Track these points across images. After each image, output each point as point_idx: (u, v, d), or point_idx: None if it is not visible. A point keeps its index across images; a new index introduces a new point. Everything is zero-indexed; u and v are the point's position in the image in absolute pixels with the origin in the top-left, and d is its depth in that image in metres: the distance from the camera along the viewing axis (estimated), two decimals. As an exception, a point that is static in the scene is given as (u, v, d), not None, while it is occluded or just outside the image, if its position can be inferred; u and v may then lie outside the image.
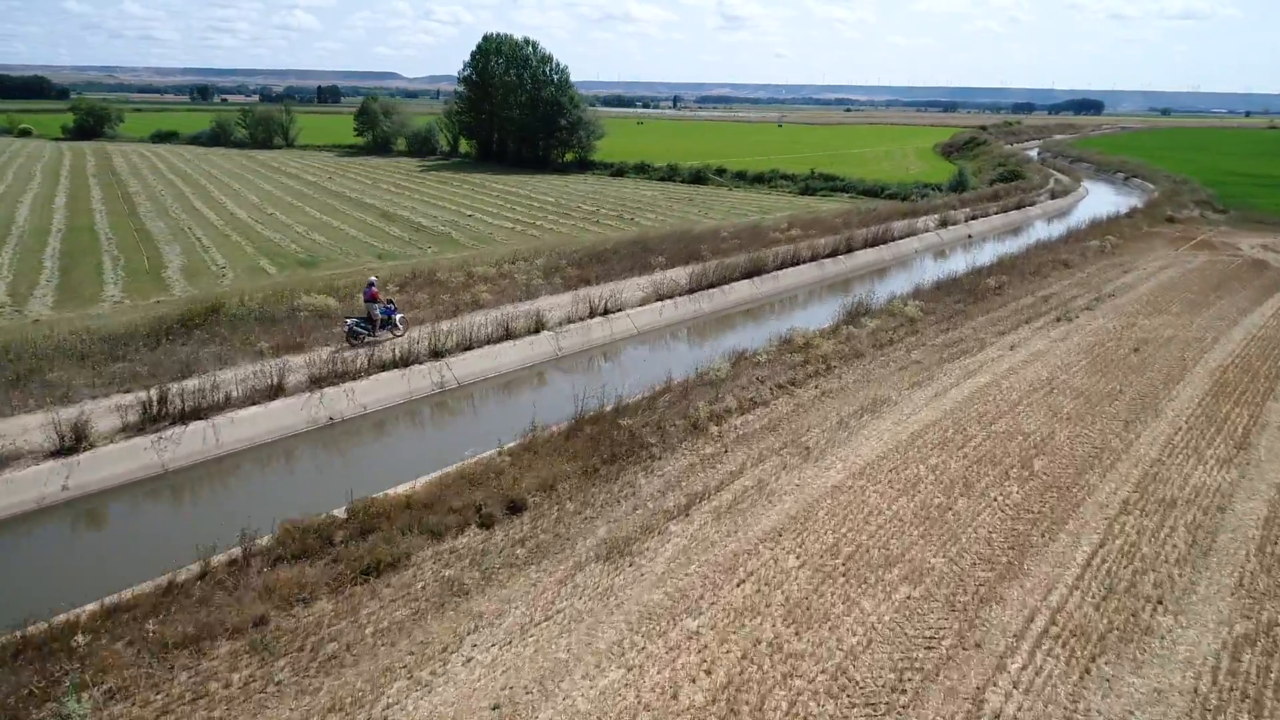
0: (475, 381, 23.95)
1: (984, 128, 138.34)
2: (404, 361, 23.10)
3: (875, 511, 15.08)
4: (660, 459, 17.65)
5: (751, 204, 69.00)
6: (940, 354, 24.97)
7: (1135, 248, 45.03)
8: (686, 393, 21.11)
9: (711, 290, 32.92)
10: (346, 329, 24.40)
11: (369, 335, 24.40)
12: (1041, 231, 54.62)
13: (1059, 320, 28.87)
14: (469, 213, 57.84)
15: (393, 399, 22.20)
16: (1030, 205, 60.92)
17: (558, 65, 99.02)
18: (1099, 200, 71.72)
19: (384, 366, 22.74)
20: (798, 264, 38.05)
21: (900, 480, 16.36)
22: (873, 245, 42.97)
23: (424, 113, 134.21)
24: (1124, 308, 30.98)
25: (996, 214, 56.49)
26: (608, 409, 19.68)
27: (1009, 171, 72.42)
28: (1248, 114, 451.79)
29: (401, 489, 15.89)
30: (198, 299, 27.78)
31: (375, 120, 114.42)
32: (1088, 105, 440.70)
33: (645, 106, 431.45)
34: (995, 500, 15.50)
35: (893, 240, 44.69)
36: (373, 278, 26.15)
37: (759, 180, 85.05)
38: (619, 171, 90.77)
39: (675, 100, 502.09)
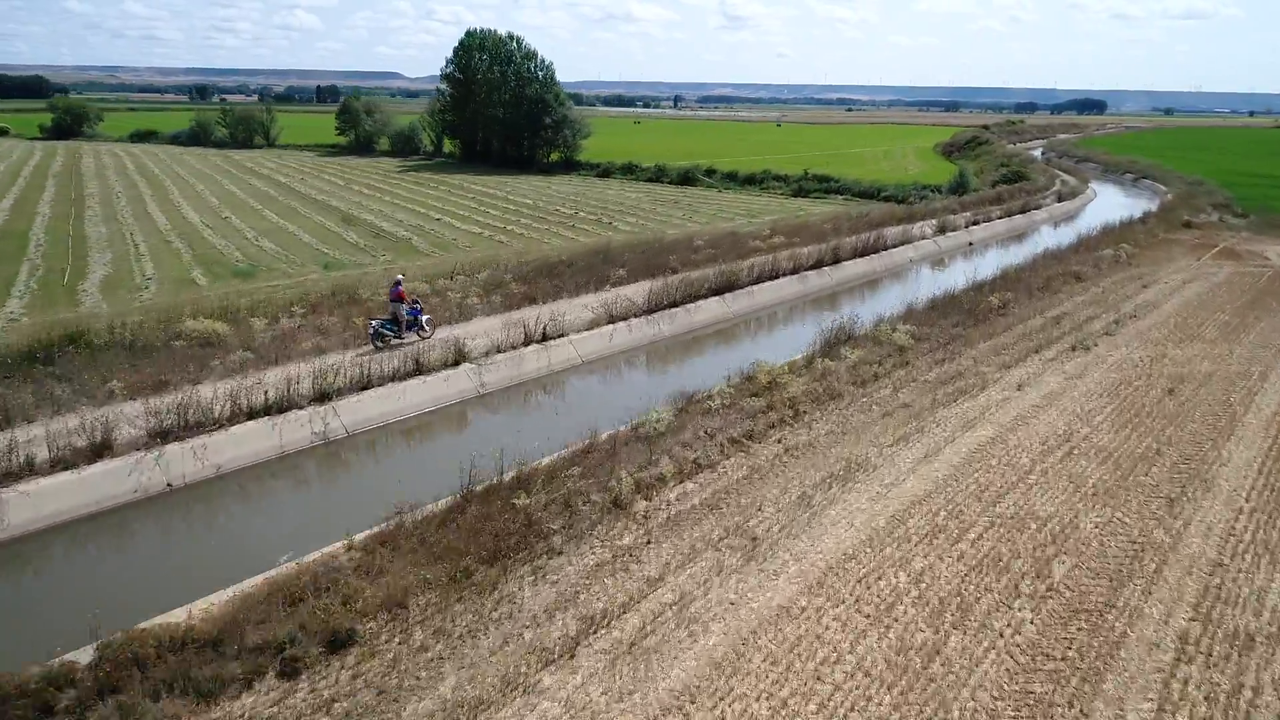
0: (370, 429, 19.59)
1: (986, 127, 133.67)
2: (279, 407, 18.73)
3: (832, 657, 10.68)
4: (560, 554, 13.28)
5: (739, 207, 64.66)
6: (933, 394, 20.56)
7: (1153, 257, 40.54)
8: (614, 451, 16.73)
9: (674, 310, 28.53)
10: (371, 330, 22.76)
11: (394, 337, 22.96)
12: (1048, 237, 50.15)
13: (1074, 349, 24.42)
14: (438, 216, 53.75)
15: (257, 455, 17.83)
16: (1035, 209, 56.45)
17: (543, 62, 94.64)
18: (1108, 203, 67.20)
19: (252, 414, 18.38)
20: (776, 277, 33.66)
21: (872, 597, 11.96)
22: (863, 255, 38.53)
23: (417, 112, 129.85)
24: (1149, 333, 26.52)
25: (999, 218, 52.02)
26: (505, 479, 15.31)
27: (1012, 172, 67.96)
28: (1251, 113, 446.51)
29: (180, 614, 11.49)
30: (56, 324, 23.42)
31: (357, 119, 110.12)
32: (1090, 105, 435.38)
33: (646, 106, 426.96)
34: (1001, 636, 11.08)
35: (885, 249, 40.24)
36: (399, 275, 24.58)
37: (750, 181, 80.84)
38: (605, 172, 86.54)
39: (676, 100, 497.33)
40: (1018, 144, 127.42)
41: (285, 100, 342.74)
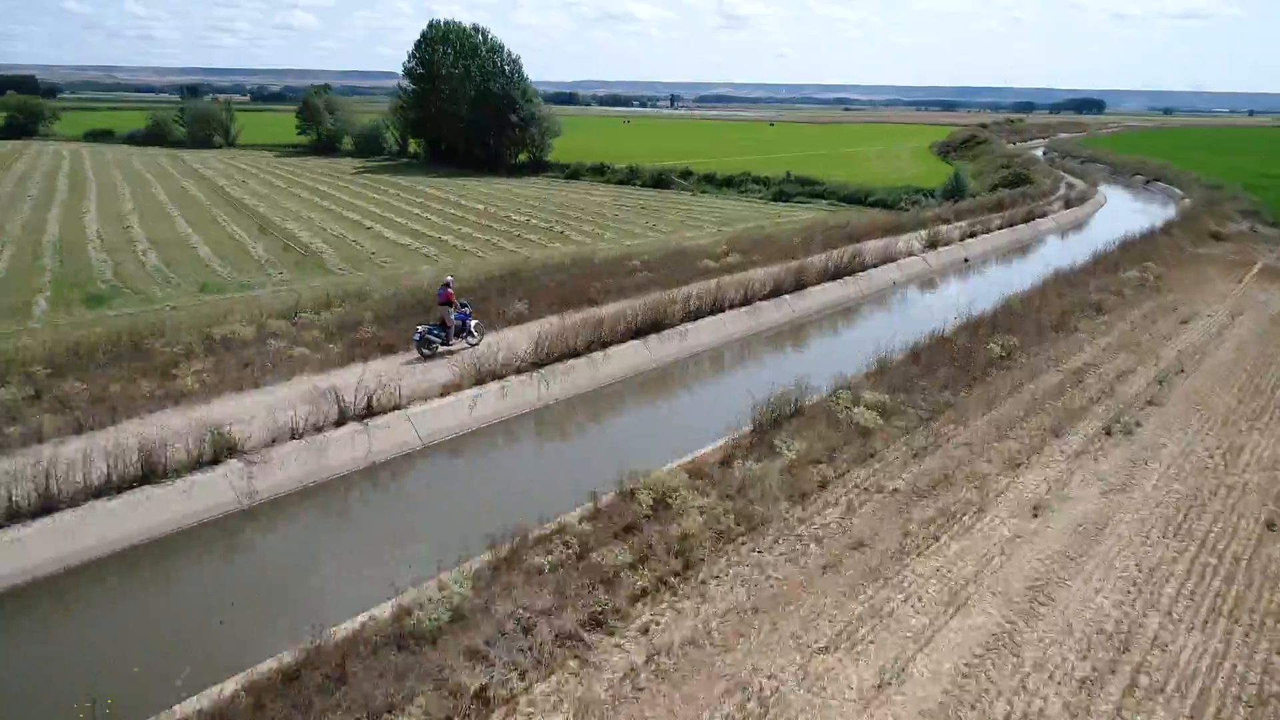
0: (44, 577, 12.43)
1: (985, 125, 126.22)
2: None
3: None
4: None
5: (712, 212, 57.76)
6: (903, 521, 13.34)
7: (1184, 279, 33.27)
8: (342, 667, 9.52)
9: (573, 361, 21.28)
10: (417, 337, 20.63)
11: (442, 344, 20.97)
12: (1056, 251, 42.91)
13: (1108, 432, 17.17)
14: (370, 225, 47.10)
15: None
16: (1041, 217, 49.14)
17: (510, 55, 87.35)
18: (1121, 209, 59.88)
19: None
20: (720, 311, 26.42)
21: None
22: (835, 278, 31.28)
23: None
24: (1208, 399, 19.25)
25: (1000, 228, 44.72)
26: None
27: (1014, 175, 60.71)
28: (1251, 113, 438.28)
29: None
30: None
31: (318, 118, 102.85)
32: (1089, 105, 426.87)
33: (642, 105, 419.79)
34: None
35: (863, 270, 32.99)
36: (449, 277, 22.73)
37: (728, 184, 73.81)
38: (574, 174, 79.61)
39: (673, 99, 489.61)
40: (1018, 143, 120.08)
41: (277, 99, 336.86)
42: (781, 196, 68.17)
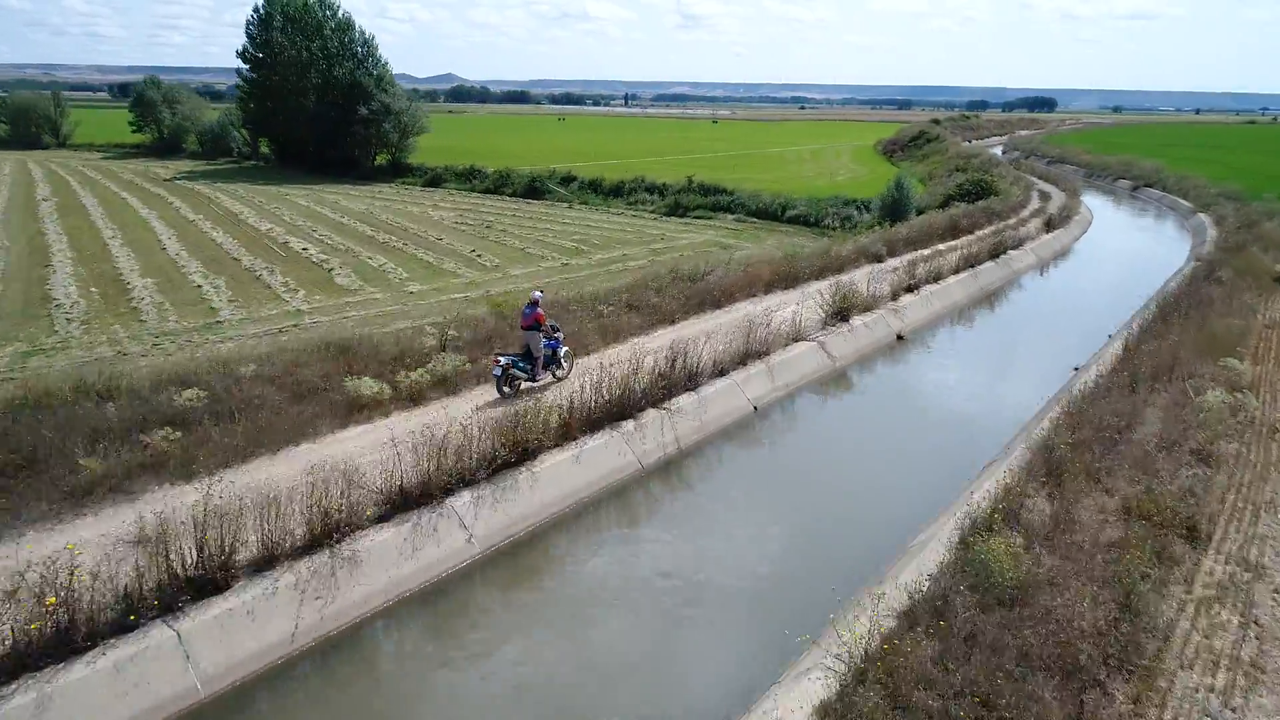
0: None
1: (937, 121, 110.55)
2: None
3: None
4: None
5: (574, 233, 41.87)
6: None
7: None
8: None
9: None
10: (498, 371, 15.36)
11: (528, 378, 15.91)
12: (1042, 309, 26.72)
13: None
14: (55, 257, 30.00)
15: None
16: (1015, 247, 32.76)
17: (363, 35, 69.69)
18: (1113, 228, 43.98)
19: None
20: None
21: None
22: (619, 418, 14.53)
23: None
24: None
25: (957, 269, 28.29)
26: None
27: (973, 182, 44.50)
28: (1197, 111, 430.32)
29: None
30: None
31: (154, 113, 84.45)
32: (1041, 103, 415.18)
33: (596, 105, 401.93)
34: None
35: (697, 381, 16.23)
36: (537, 292, 16.40)
37: (617, 193, 57.21)
38: (435, 180, 62.71)
39: (627, 98, 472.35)
40: (974, 141, 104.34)
41: (220, 97, 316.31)
42: (677, 209, 51.71)
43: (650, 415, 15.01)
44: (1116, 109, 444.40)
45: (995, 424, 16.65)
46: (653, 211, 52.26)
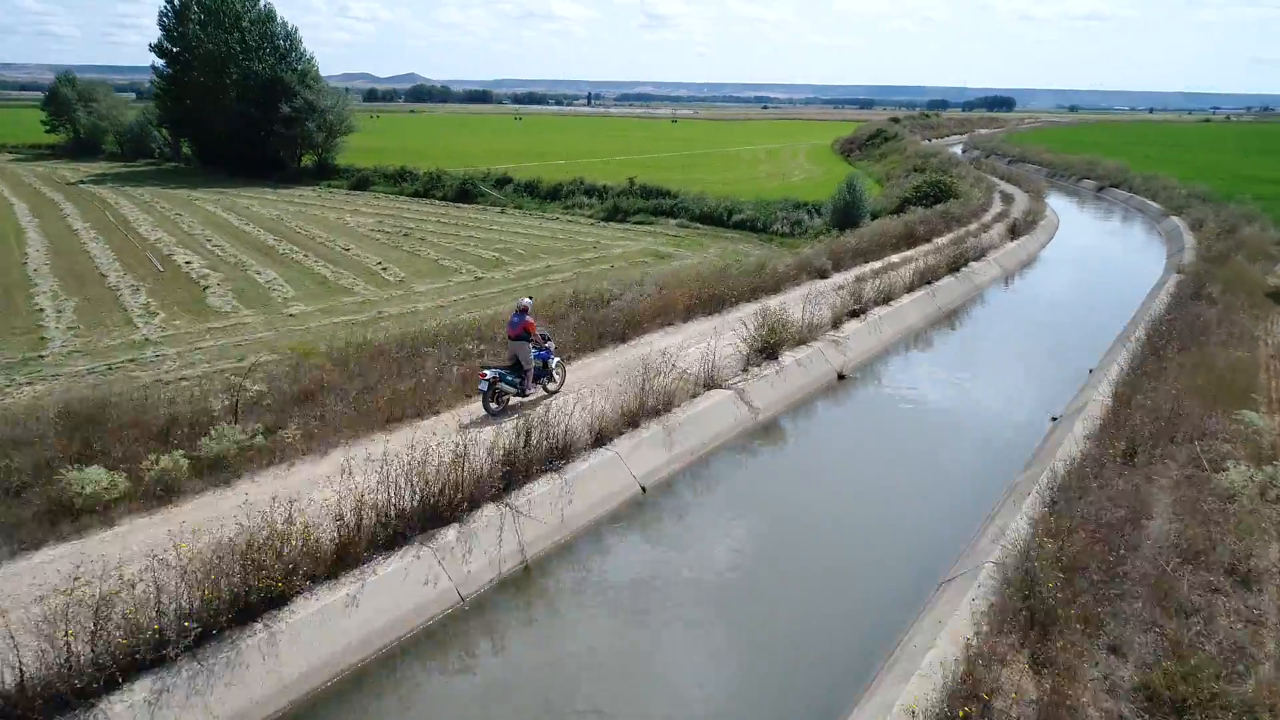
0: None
1: (897, 119, 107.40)
2: None
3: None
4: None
5: (500, 242, 38.80)
6: None
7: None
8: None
9: None
10: (484, 386, 13.85)
11: (517, 394, 14.44)
12: (1008, 332, 22.87)
13: None
14: None
15: None
16: (977, 258, 28.95)
17: (285, 27, 64.70)
18: (1082, 233, 40.57)
19: None
20: None
21: None
22: (433, 526, 10.33)
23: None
24: None
25: (912, 287, 24.36)
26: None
27: (931, 184, 40.76)
28: (1151, 110, 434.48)
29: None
30: None
31: (68, 110, 78.61)
32: (1000, 102, 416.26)
33: (559, 104, 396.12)
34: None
35: (560, 464, 12.09)
36: (527, 299, 14.91)
37: (554, 196, 53.10)
38: (362, 182, 58.07)
39: (590, 98, 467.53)
40: (933, 140, 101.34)
41: None
42: (616, 214, 47.69)
43: (487, 514, 10.81)
44: (1073, 108, 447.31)
45: (955, 507, 12.69)
46: (590, 216, 48.23)
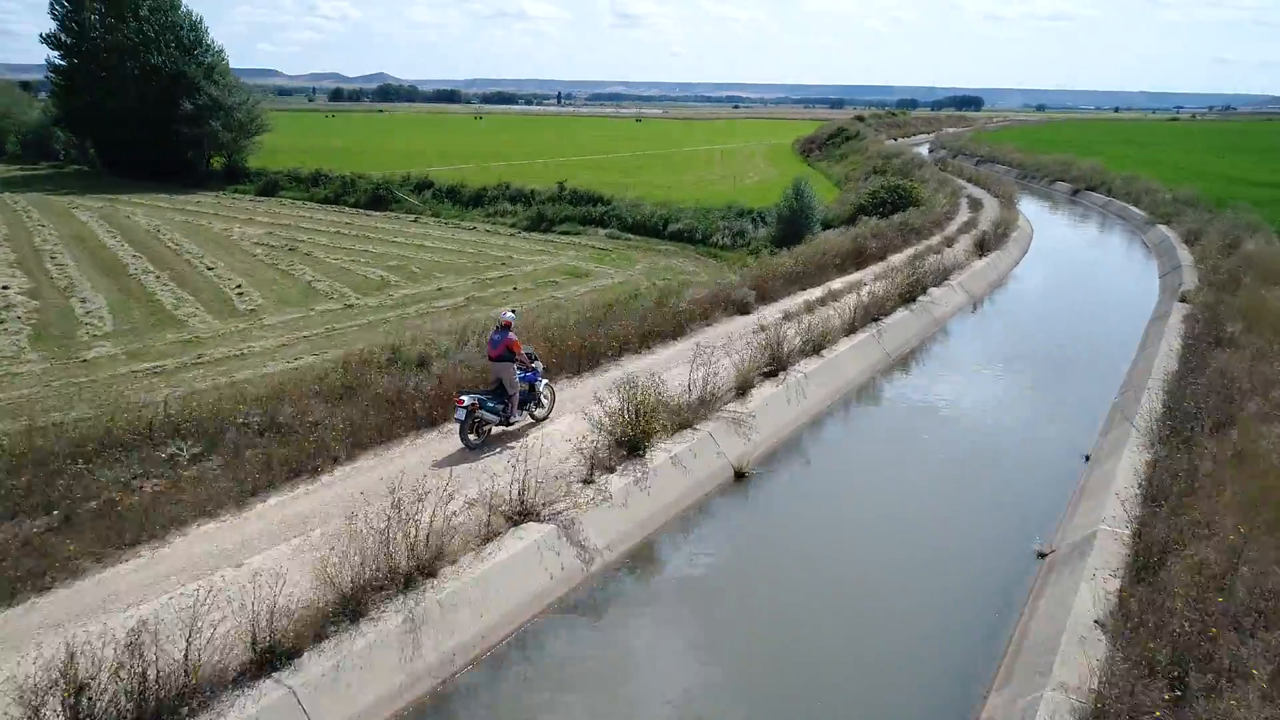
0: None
1: (861, 118, 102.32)
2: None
3: None
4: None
5: (397, 258, 32.89)
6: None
7: None
8: None
9: None
10: (461, 415, 12.12)
11: (500, 422, 12.63)
12: (970, 388, 17.49)
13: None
14: None
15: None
16: (938, 283, 23.58)
17: (190, 17, 58.38)
18: (1060, 245, 35.43)
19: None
20: None
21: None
22: None
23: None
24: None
25: (851, 331, 18.89)
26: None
27: (890, 189, 35.35)
28: (1116, 109, 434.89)
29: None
30: None
31: (-36, 108, 71.84)
32: (968, 102, 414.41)
33: (528, 104, 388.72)
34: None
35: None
36: (509, 313, 12.94)
37: (477, 201, 47.83)
38: (270, 187, 52.26)
39: (560, 97, 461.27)
40: (899, 139, 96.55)
41: None
42: (541, 223, 42.36)
43: None
44: (1040, 107, 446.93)
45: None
46: (513, 225, 42.88)
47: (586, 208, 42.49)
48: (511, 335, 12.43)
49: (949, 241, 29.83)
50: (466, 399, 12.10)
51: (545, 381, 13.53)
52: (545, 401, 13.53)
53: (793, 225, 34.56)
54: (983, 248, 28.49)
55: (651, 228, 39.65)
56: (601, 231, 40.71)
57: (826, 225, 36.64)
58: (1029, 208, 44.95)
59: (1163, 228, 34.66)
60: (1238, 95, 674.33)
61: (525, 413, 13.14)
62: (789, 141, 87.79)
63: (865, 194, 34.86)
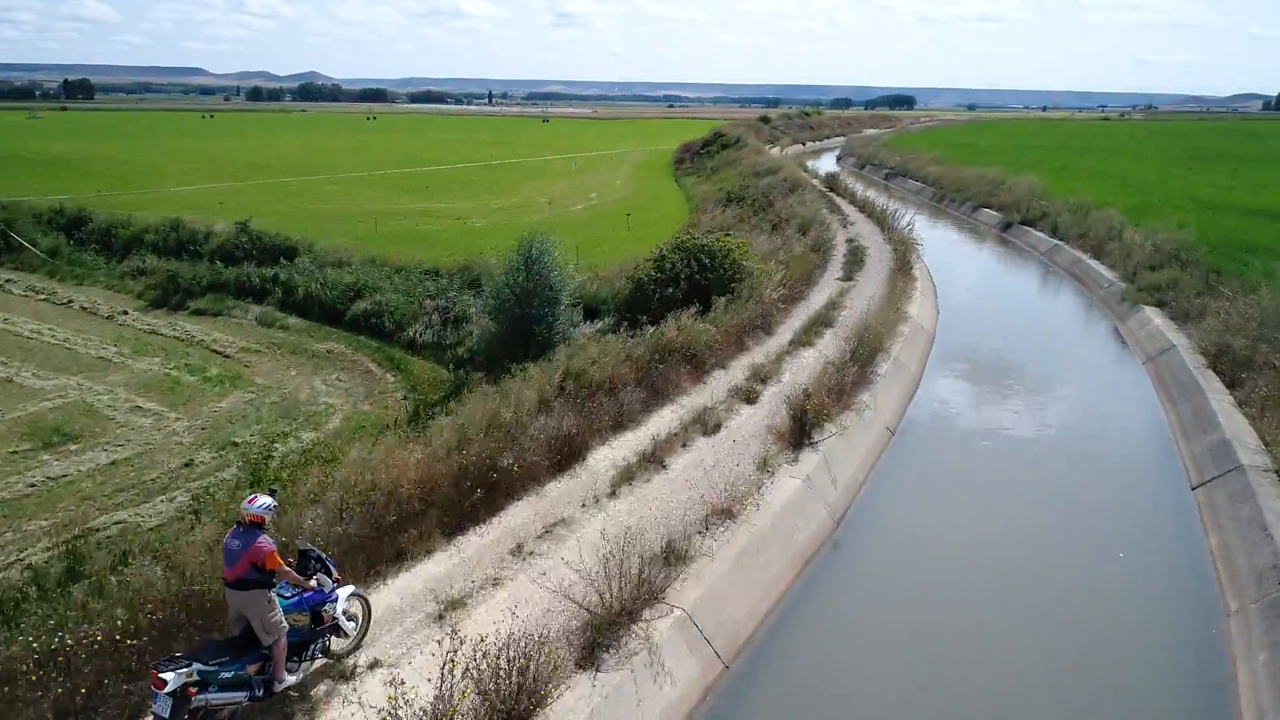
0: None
1: (766, 119, 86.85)
2: None
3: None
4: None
5: None
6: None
7: None
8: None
9: None
10: (164, 711, 6.05)
11: (249, 698, 6.63)
12: None
13: None
14: None
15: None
16: (698, 563, 8.36)
17: None
18: (978, 358, 19.79)
19: None
20: None
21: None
22: None
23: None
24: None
25: None
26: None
27: (693, 257, 19.74)
28: (1044, 109, 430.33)
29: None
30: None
31: None
32: (902, 101, 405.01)
33: (458, 103, 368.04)
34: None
35: None
36: (265, 497, 6.82)
37: (127, 251, 31.41)
38: None
39: (491, 97, 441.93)
40: (808, 144, 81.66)
41: (25, 96, 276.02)
42: (174, 293, 26.09)
43: None
44: (971, 107, 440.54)
45: None
46: (140, 296, 26.84)
47: (252, 269, 26.48)
48: (264, 539, 6.55)
49: (762, 380, 14.40)
50: (169, 675, 6.01)
51: (351, 590, 7.40)
52: (350, 625, 7.29)
53: (520, 326, 19.01)
54: (840, 392, 12.92)
55: (330, 308, 23.95)
56: (256, 309, 24.76)
57: (593, 310, 21.08)
58: (939, 253, 29.81)
59: (1151, 314, 19.75)
60: (1158, 94, 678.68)
61: (307, 660, 7.02)
62: (674, 148, 72.06)
63: (649, 269, 19.11)
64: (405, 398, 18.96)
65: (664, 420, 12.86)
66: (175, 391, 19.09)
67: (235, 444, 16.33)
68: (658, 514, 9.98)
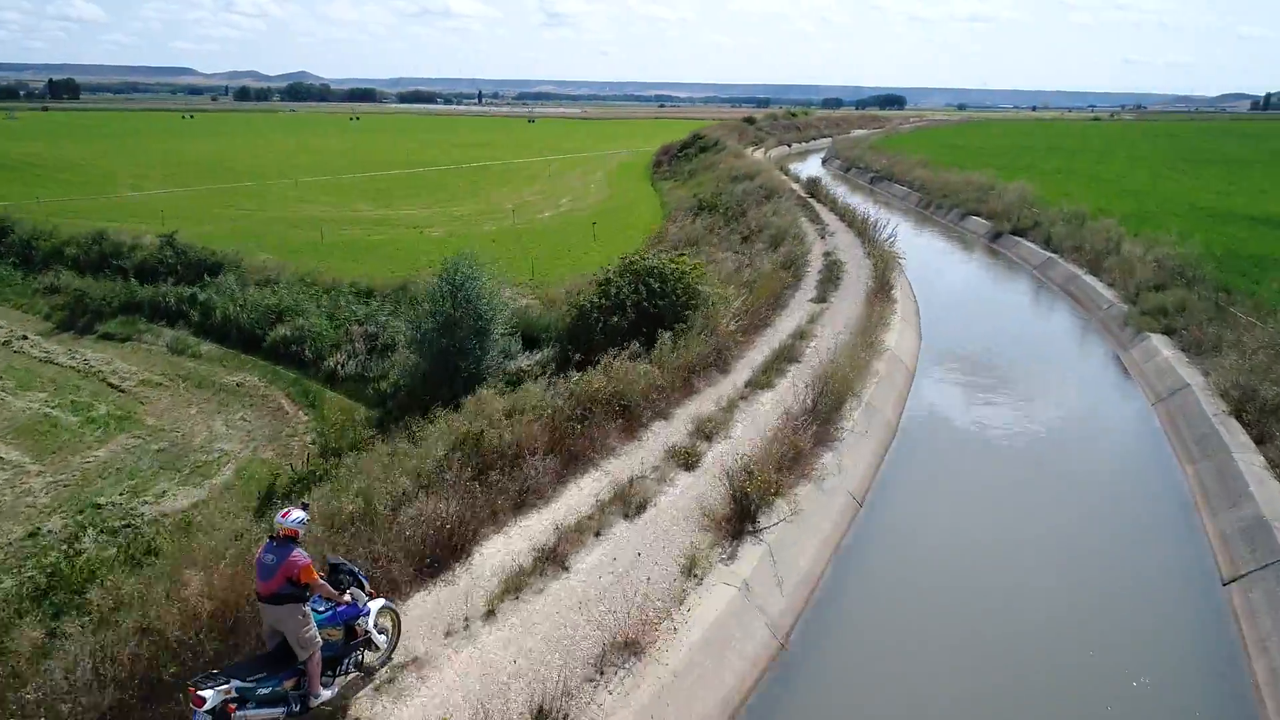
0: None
1: (751, 120, 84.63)
2: None
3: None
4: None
5: None
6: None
7: None
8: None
9: None
10: None
11: (287, 714, 6.72)
12: None
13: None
14: None
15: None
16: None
17: None
18: (963, 401, 17.49)
19: None
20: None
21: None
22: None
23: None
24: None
25: None
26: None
27: (641, 280, 17.50)
28: (1034, 108, 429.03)
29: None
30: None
31: None
32: (893, 101, 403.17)
33: (448, 103, 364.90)
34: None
35: None
36: (297, 512, 6.85)
37: (46, 264, 28.42)
38: None
39: (480, 96, 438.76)
40: (794, 145, 79.40)
41: (10, 96, 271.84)
42: (82, 314, 23.48)
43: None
44: (962, 106, 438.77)
45: None
46: (48, 317, 24.42)
47: (170, 288, 24.06)
48: (299, 553, 6.60)
49: (710, 432, 12.08)
50: (208, 692, 6.14)
51: (383, 604, 7.44)
52: (381, 638, 7.38)
53: (447, 353, 16.73)
54: (795, 458, 10.63)
55: (248, 334, 21.54)
56: (168, 334, 22.40)
57: (534, 340, 18.73)
58: (923, 265, 27.53)
59: (1158, 343, 17.50)
60: (1146, 94, 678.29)
61: (342, 674, 7.11)
62: (655, 149, 69.63)
63: (592, 295, 16.76)
64: (313, 442, 16.64)
65: (581, 494, 10.52)
66: (49, 436, 16.67)
67: (98, 506, 13.93)
68: (541, 647, 7.62)
